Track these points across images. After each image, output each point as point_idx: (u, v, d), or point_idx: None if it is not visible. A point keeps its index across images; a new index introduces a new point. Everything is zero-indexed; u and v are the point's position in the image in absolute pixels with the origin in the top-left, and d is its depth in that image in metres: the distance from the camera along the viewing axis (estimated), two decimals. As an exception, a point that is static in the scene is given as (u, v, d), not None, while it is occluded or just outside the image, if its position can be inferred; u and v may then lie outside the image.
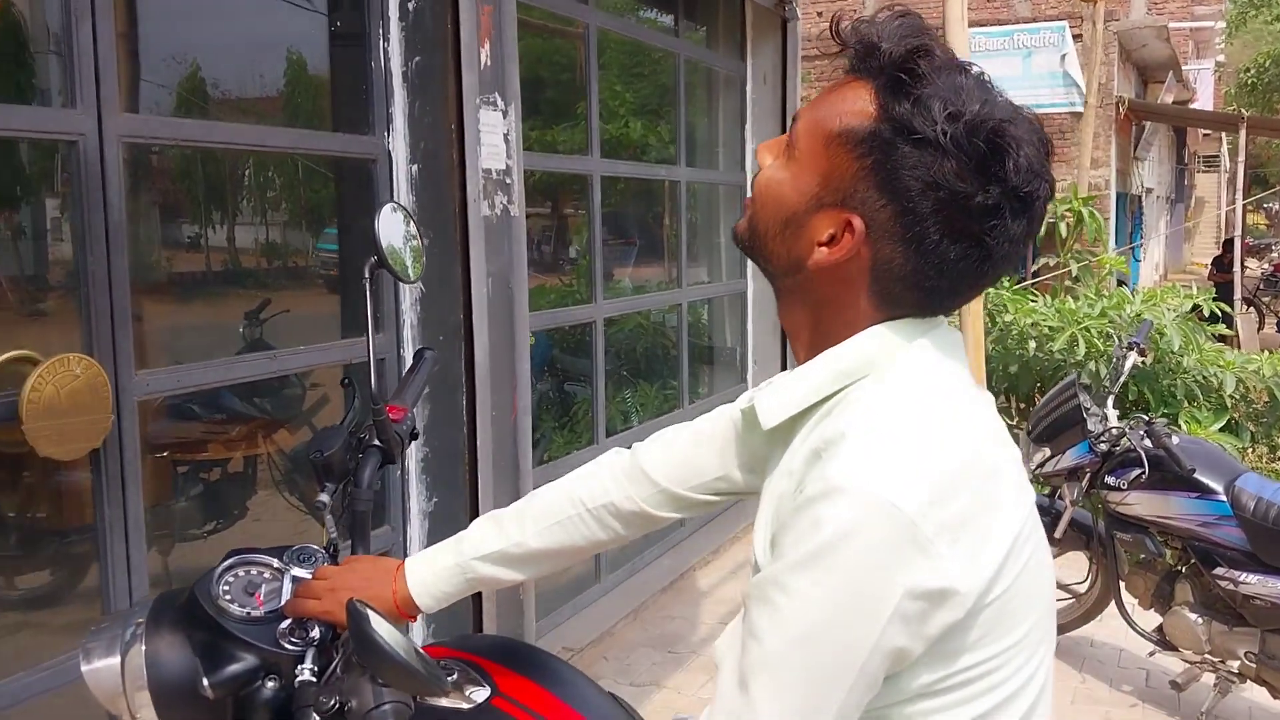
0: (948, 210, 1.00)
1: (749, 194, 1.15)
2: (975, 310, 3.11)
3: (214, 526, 3.56)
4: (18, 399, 2.17)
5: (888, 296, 1.07)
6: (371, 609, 1.15)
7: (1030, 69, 13.76)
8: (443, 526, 3.39)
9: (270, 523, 3.71)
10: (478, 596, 3.50)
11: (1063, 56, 13.47)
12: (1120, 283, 10.06)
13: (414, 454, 3.45)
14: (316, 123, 3.60)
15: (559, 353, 5.26)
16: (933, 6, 4.29)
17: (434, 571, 1.42)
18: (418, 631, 3.36)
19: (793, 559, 0.95)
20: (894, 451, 0.97)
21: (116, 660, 1.39)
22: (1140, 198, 18.43)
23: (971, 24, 14.05)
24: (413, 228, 1.71)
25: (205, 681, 1.35)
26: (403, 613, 1.42)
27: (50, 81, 2.53)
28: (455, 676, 1.44)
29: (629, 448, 1.47)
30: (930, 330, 1.09)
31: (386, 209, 1.64)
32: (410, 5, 3.24)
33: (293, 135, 3.36)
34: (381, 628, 1.11)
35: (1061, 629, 4.33)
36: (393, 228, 1.65)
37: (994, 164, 0.99)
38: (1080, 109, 12.27)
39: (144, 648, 1.38)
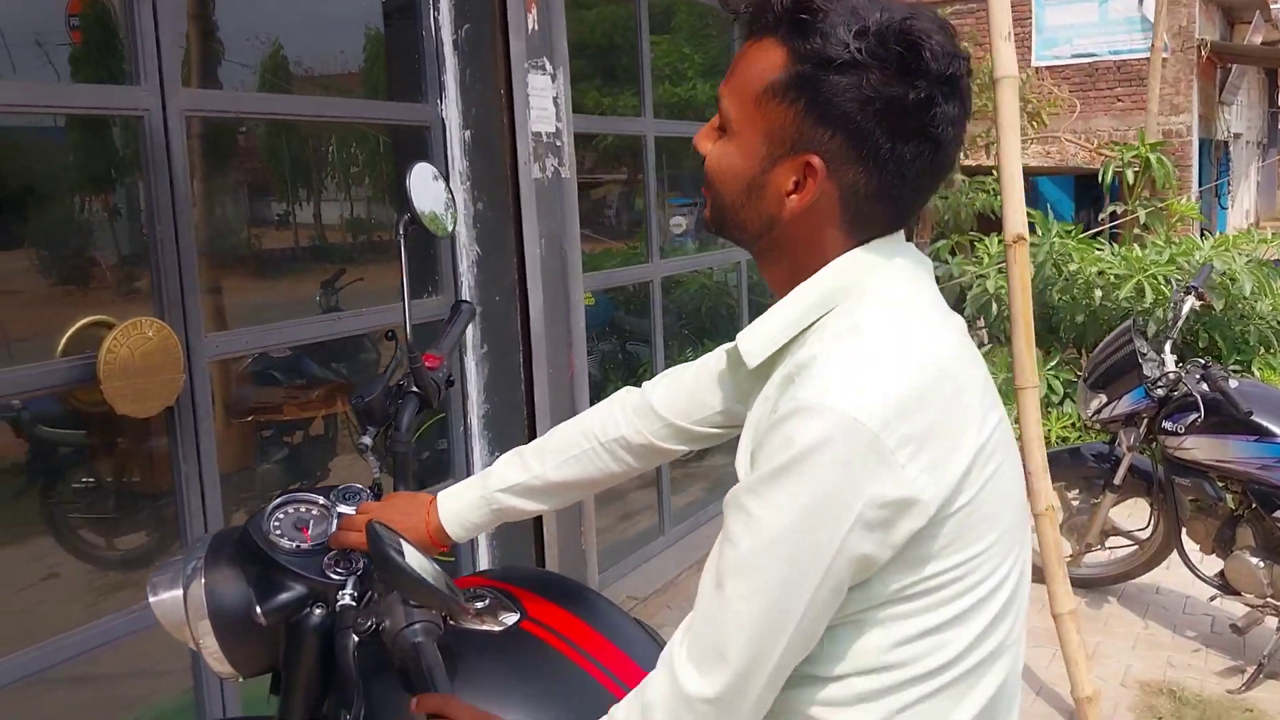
0: (888, 117, 1.06)
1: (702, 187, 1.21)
2: (1022, 258, 3.12)
3: (295, 487, 3.72)
4: (96, 360, 2.34)
5: (859, 219, 1.13)
6: (399, 535, 1.26)
7: (1107, 14, 13.42)
8: (503, 480, 3.51)
9: (348, 481, 3.86)
10: (540, 549, 3.63)
11: (1140, 0, 13.10)
12: (1203, 231, 9.78)
13: (475, 411, 3.58)
14: (372, 92, 3.72)
15: (621, 314, 5.35)
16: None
17: (463, 504, 1.53)
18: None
19: (766, 471, 1.03)
20: (860, 371, 1.04)
21: (179, 593, 1.51)
22: (1227, 143, 17.85)
23: (1047, -31, 13.55)
24: (447, 189, 1.80)
25: (258, 609, 1.47)
26: (435, 541, 1.52)
27: (121, 61, 2.66)
28: (488, 602, 1.54)
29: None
30: (901, 251, 1.15)
31: (418, 168, 1.73)
32: (458, -26, 3.33)
33: (349, 105, 3.49)
34: (400, 547, 1.21)
35: (1125, 576, 4.31)
36: (427, 188, 1.75)
37: (912, 60, 1.05)
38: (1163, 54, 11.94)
39: (204, 581, 1.51)
